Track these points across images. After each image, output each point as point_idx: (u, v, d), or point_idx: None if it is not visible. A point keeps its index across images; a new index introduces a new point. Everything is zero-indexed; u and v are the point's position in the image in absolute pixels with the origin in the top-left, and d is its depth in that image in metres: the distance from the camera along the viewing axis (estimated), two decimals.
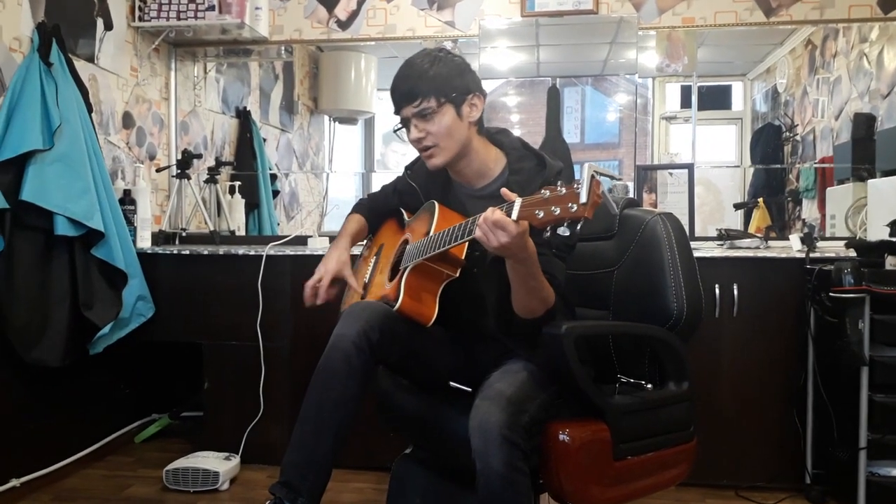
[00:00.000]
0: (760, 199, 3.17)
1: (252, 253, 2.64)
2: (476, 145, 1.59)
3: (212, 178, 3.20)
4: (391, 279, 1.67)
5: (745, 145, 3.49)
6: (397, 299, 1.52)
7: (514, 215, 1.25)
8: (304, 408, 1.49)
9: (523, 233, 1.27)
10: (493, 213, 1.27)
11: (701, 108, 3.31)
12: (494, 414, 1.34)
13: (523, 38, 3.34)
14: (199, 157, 3.21)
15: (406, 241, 1.70)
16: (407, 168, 1.81)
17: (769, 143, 3.39)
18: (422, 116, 1.52)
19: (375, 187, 2.00)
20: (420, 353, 1.61)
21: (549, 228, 1.21)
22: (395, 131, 1.60)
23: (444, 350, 1.64)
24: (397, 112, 1.57)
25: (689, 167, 2.95)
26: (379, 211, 1.89)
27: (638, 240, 1.65)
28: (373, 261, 1.86)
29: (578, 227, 1.18)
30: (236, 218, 3.33)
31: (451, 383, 1.62)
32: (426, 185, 1.71)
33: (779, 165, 3.36)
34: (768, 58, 3.45)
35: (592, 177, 1.16)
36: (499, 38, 3.33)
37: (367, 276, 1.83)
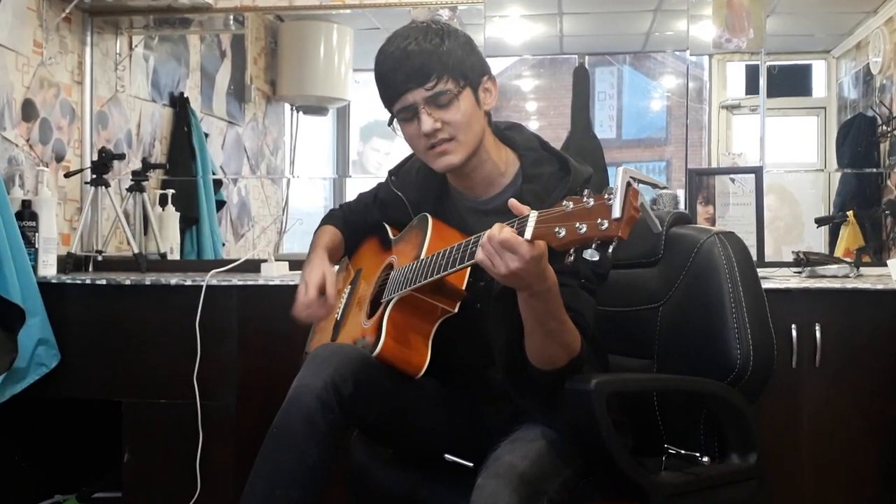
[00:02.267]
0: (850, 213, 3.17)
1: (188, 283, 2.63)
2: (489, 143, 1.61)
3: (137, 186, 3.21)
4: (370, 315, 1.67)
5: (830, 143, 3.51)
6: (378, 342, 1.51)
7: (529, 233, 1.25)
8: (251, 481, 1.48)
9: (540, 257, 1.27)
10: (501, 231, 1.27)
11: (772, 94, 3.33)
12: (504, 497, 1.33)
13: (542, 4, 3.37)
14: (122, 157, 3.22)
15: (390, 266, 1.70)
16: (391, 173, 1.81)
17: (861, 139, 3.40)
18: (437, 102, 1.53)
19: (351, 196, 2.01)
20: (406, 414, 1.60)
21: (572, 251, 1.22)
22: (390, 124, 1.61)
23: (437, 410, 1.64)
24: (395, 99, 1.55)
25: (757, 171, 2.96)
26: (356, 226, 1.90)
27: (689, 267, 1.65)
28: (347, 291, 1.86)
29: (611, 250, 1.18)
30: (168, 237, 3.33)
31: (447, 456, 1.61)
32: (416, 195, 1.72)
33: (873, 169, 3.37)
34: (858, 29, 3.48)
35: (628, 184, 1.16)
36: (510, 4, 3.37)
37: (340, 311, 1.83)
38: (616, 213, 1.15)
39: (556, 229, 1.21)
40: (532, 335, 1.40)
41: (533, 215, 1.26)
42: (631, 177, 1.17)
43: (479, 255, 1.31)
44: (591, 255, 1.20)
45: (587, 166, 1.58)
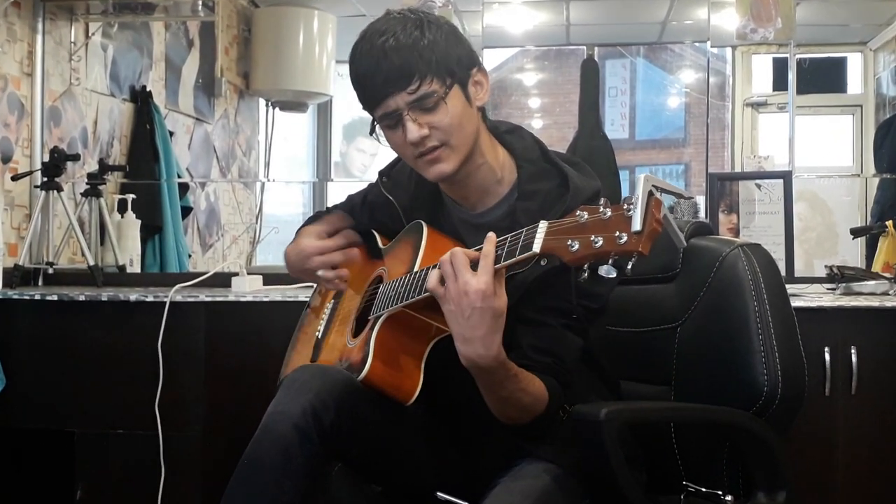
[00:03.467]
0: (889, 223, 3.18)
1: (150, 299, 2.63)
2: (484, 143, 1.60)
3: (93, 190, 3.20)
4: (356, 334, 1.67)
5: (868, 144, 3.53)
6: (364, 364, 1.51)
7: (538, 245, 1.25)
8: None
9: (497, 307, 1.32)
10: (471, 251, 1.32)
11: (802, 90, 3.35)
12: None
13: None
14: (76, 158, 3.21)
15: (379, 279, 1.70)
16: (382, 174, 1.81)
17: None
18: (422, 106, 1.52)
19: (333, 201, 2.01)
20: (395, 446, 1.60)
21: (586, 267, 1.22)
22: (372, 132, 1.60)
23: (430, 442, 1.64)
24: (376, 104, 1.54)
25: (786, 176, 2.97)
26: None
27: (710, 283, 1.65)
28: (329, 306, 1.86)
29: (629, 267, 1.19)
30: (128, 247, 3.32)
31: (439, 494, 1.61)
32: (408, 200, 1.72)
33: None
34: None
35: (650, 194, 1.16)
36: None
37: (321, 328, 1.82)
38: (636, 225, 1.15)
39: (569, 242, 1.22)
40: (485, 396, 1.44)
41: (543, 225, 1.26)
42: (653, 185, 1.17)
43: (431, 280, 1.37)
44: (607, 271, 1.20)
45: (594, 180, 1.58)
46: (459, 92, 1.54)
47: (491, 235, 1.34)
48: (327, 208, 1.96)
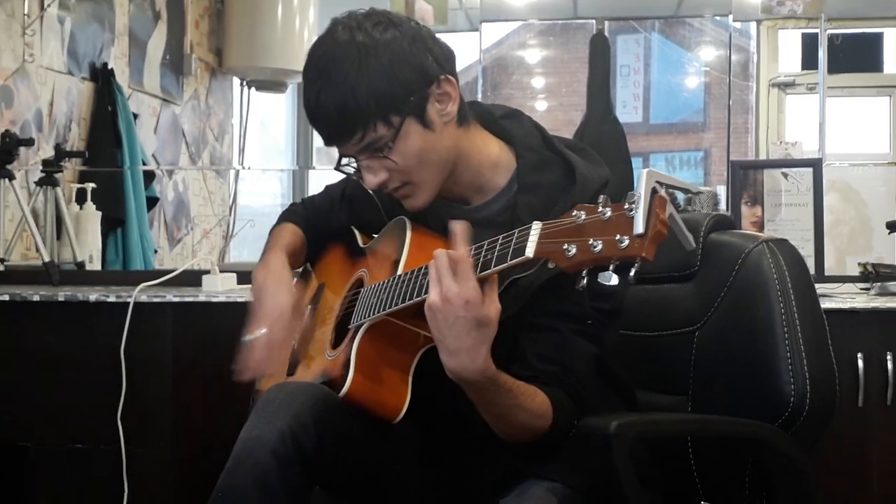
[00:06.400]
0: None
1: (112, 299, 2.63)
2: (465, 146, 1.60)
3: (49, 178, 3.20)
4: (335, 345, 1.67)
5: None
6: (345, 380, 1.51)
7: (531, 249, 1.25)
8: None
9: (482, 317, 1.30)
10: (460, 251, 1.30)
11: (834, 69, 3.35)
12: None
13: None
14: (30, 143, 3.21)
15: (360, 283, 1.70)
16: None
17: None
18: (372, 153, 1.53)
19: (314, 191, 2.01)
20: (381, 468, 1.60)
21: (584, 273, 1.22)
22: (336, 168, 1.61)
23: (419, 462, 1.63)
24: (329, 144, 1.59)
25: (816, 164, 2.97)
26: (320, 228, 1.90)
27: (732, 282, 1.66)
28: (307, 313, 1.86)
29: (633, 273, 1.18)
30: (87, 242, 3.32)
31: None
32: (390, 196, 1.72)
33: None
34: None
35: (654, 191, 1.15)
36: None
37: (296, 338, 1.82)
38: (639, 228, 1.14)
39: (565, 246, 1.21)
40: (478, 410, 1.44)
41: (536, 227, 1.26)
42: (657, 181, 1.16)
43: (431, 293, 1.34)
44: (607, 278, 1.19)
45: (601, 168, 1.58)
46: (414, 124, 1.52)
47: (459, 232, 1.33)
48: (302, 200, 1.97)
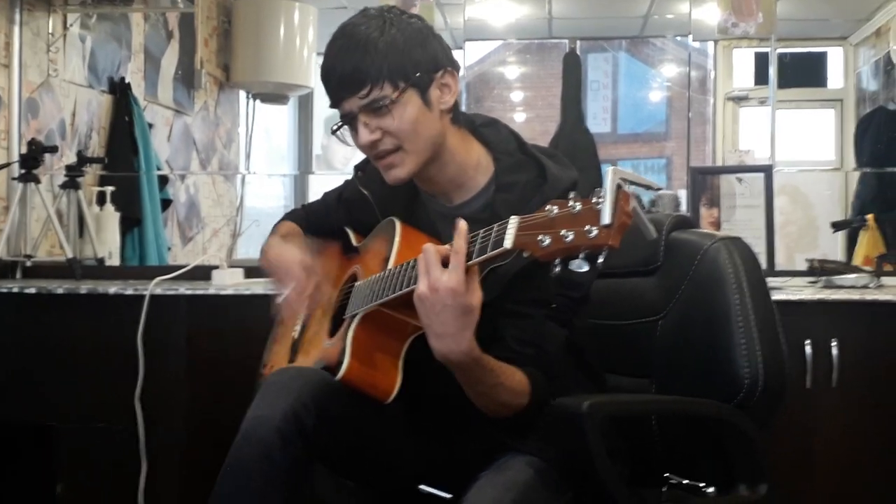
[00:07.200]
0: (870, 217, 3.21)
1: (130, 292, 2.62)
2: (452, 143, 1.60)
3: (72, 182, 3.19)
4: (332, 333, 1.67)
5: (848, 139, 3.55)
6: (341, 364, 1.51)
7: (509, 241, 1.25)
8: None
9: (467, 304, 1.31)
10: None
11: (783, 84, 3.37)
12: None
13: None
14: (54, 150, 3.19)
15: (354, 277, 1.70)
16: (357, 168, 1.81)
17: (881, 135, 3.45)
18: (374, 110, 1.52)
19: (315, 196, 2.00)
20: (376, 444, 1.59)
21: (558, 262, 1.22)
22: (333, 132, 1.61)
23: (410, 438, 1.63)
24: (335, 105, 1.57)
25: (767, 170, 2.98)
26: (318, 229, 1.89)
27: (692, 276, 1.66)
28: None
29: (600, 261, 1.19)
30: (107, 240, 3.31)
31: (422, 486, 1.61)
32: (384, 195, 1.72)
33: None
34: (878, 14, 3.53)
35: (619, 187, 1.16)
36: None
37: (297, 328, 1.82)
38: (606, 219, 1.15)
39: (540, 237, 1.21)
40: (463, 388, 1.44)
41: (513, 221, 1.26)
42: (621, 178, 1.17)
43: (420, 284, 1.34)
44: (578, 265, 1.20)
45: (571, 170, 1.58)
46: (416, 96, 1.53)
47: (461, 229, 1.33)
48: (302, 206, 1.97)
